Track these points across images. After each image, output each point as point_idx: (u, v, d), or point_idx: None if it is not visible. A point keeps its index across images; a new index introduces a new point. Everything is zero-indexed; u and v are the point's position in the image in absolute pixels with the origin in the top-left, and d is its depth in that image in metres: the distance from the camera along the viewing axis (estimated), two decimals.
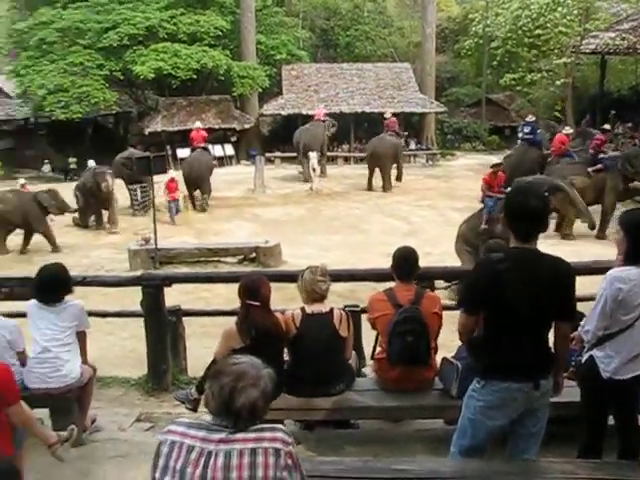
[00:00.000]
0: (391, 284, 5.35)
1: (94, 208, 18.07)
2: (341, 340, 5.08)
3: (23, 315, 5.56)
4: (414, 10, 42.57)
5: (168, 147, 28.81)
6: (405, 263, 5.13)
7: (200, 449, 2.52)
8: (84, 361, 5.48)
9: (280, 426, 2.65)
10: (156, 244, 13.48)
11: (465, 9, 41.19)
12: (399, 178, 23.66)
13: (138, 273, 7.91)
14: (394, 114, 26.26)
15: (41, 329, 5.23)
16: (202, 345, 8.24)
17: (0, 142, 36.26)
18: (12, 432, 4.07)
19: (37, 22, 32.86)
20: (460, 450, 4.06)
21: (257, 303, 4.88)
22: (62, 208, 16.76)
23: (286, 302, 7.31)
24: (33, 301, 5.30)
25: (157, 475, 2.57)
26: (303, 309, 5.06)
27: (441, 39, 38.51)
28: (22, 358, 5.17)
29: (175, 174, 18.96)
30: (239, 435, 2.52)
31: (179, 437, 2.58)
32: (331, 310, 5.08)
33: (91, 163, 19.49)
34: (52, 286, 5.23)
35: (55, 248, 15.81)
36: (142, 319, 7.23)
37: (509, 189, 13.41)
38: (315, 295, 5.06)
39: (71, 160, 32.22)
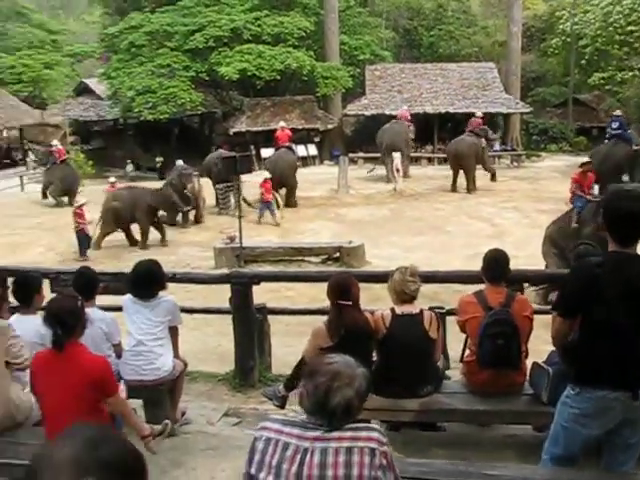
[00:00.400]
0: (473, 287, 5.29)
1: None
2: (430, 342, 5.05)
3: (118, 309, 5.75)
4: (499, 8, 41.94)
5: (252, 147, 29.19)
6: (496, 265, 5.06)
7: (295, 446, 2.54)
8: (176, 355, 5.62)
9: (376, 426, 2.66)
10: (241, 243, 13.66)
11: (552, 6, 40.27)
12: (493, 178, 23.04)
13: (226, 271, 8.05)
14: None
15: (136, 323, 5.38)
16: (284, 344, 8.33)
17: (92, 142, 37.59)
18: (111, 421, 4.24)
19: (127, 26, 33.95)
20: (552, 458, 3.97)
21: (349, 302, 4.88)
22: (175, 207, 17.15)
23: (371, 302, 7.32)
24: (128, 296, 5.47)
25: (252, 470, 2.60)
26: (393, 310, 5.04)
27: (527, 38, 37.78)
28: (118, 350, 5.36)
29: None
30: (335, 434, 2.54)
31: (274, 434, 2.60)
32: (421, 311, 5.05)
33: (179, 163, 19.88)
34: (146, 282, 5.39)
35: (144, 245, 16.24)
36: (226, 316, 7.36)
37: (596, 188, 13.09)
38: (404, 296, 5.02)
39: (158, 160, 33.09)
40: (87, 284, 5.35)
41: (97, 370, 4.17)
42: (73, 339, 4.17)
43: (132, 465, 1.51)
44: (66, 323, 4.14)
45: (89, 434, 1.52)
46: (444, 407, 5.10)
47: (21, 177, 29.28)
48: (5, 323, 4.73)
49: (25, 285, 5.30)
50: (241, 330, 6.87)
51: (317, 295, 11.23)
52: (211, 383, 7.20)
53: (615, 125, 20.06)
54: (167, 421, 5.01)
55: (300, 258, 13.62)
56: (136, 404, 5.33)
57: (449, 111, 31.18)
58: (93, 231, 15.91)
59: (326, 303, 7.33)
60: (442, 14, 40.73)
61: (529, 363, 5.15)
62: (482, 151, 22.66)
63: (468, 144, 22.24)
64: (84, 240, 15.46)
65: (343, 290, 4.93)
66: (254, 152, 28.05)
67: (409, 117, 25.62)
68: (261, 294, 7.76)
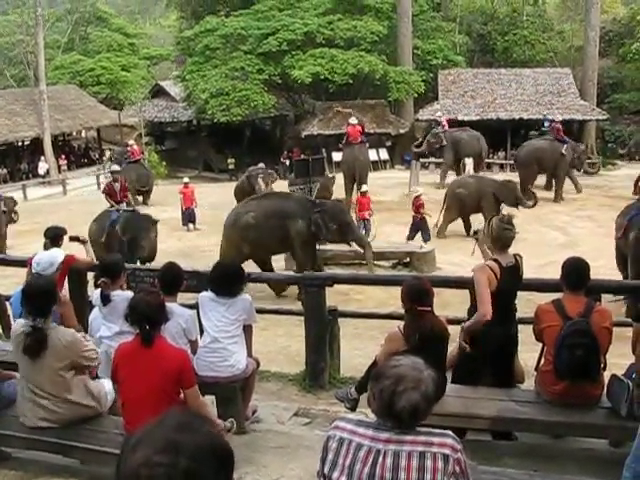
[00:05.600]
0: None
1: None
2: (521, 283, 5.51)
3: (191, 307, 5.85)
4: (576, 12, 41.17)
5: (323, 150, 29.29)
6: (577, 273, 4.96)
7: (368, 447, 2.54)
8: (249, 354, 5.67)
9: (449, 432, 2.62)
10: None
11: (632, 10, 39.18)
12: (556, 197, 21.78)
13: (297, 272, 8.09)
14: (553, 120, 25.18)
15: (212, 320, 5.46)
16: (353, 347, 8.33)
17: (165, 142, 38.37)
18: None
19: (202, 30, 34.61)
20: (635, 476, 3.83)
21: (427, 308, 4.84)
22: (517, 202, 17.02)
23: (442, 308, 7.25)
24: (206, 293, 5.55)
25: (326, 470, 2.60)
26: (498, 262, 5.20)
27: (605, 42, 36.96)
28: (194, 347, 5.43)
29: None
30: (408, 437, 2.52)
31: (347, 434, 2.60)
32: (516, 259, 5.33)
33: (260, 165, 19.94)
34: (229, 281, 5.46)
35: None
36: (296, 317, 7.36)
37: None
38: (502, 243, 5.26)
39: (230, 161, 33.53)
40: (173, 279, 5.50)
41: (177, 362, 4.28)
42: (157, 333, 4.29)
43: (222, 451, 1.56)
44: (153, 319, 4.27)
45: (182, 419, 1.58)
46: (518, 416, 5.00)
47: (97, 176, 30.13)
48: (74, 336, 4.71)
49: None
50: (313, 331, 6.90)
51: (386, 300, 11.23)
52: (281, 383, 7.25)
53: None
54: (232, 419, 5.09)
55: None
56: (208, 400, 5.41)
57: (523, 117, 30.72)
58: None
59: (395, 307, 7.32)
60: (517, 18, 40.16)
61: (607, 375, 5.02)
62: (560, 160, 21.69)
63: (528, 150, 21.75)
64: (425, 229, 16.20)
65: (420, 295, 4.88)
66: (325, 155, 28.18)
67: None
68: (329, 296, 7.78)
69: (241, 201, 18.36)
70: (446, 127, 25.22)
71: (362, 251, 12.76)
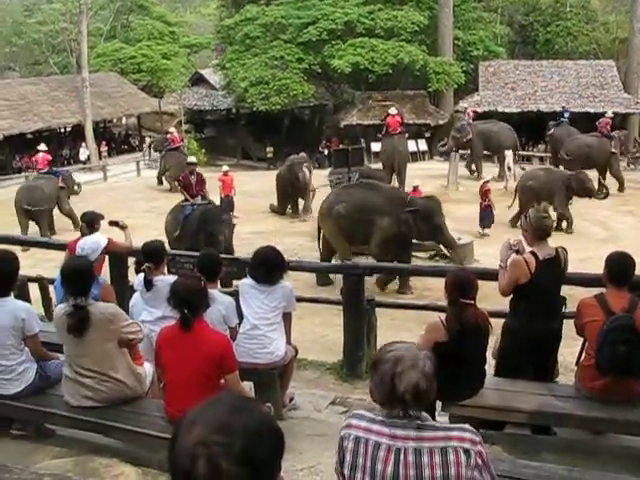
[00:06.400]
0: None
1: (291, 197, 18.69)
2: (564, 279, 5.43)
3: (230, 294, 5.89)
4: (621, 3, 40.41)
5: (362, 140, 29.16)
6: (622, 268, 4.88)
7: (387, 446, 2.52)
8: (288, 341, 5.71)
9: (467, 426, 2.58)
10: None
11: None
12: (620, 187, 21.20)
13: (340, 262, 8.09)
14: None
15: (251, 307, 5.50)
16: (389, 337, 8.30)
17: (205, 130, 38.56)
18: None
19: (242, 18, 34.65)
20: None
21: (471, 302, 4.79)
22: (589, 193, 17.02)
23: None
24: (246, 280, 5.60)
25: (346, 471, 2.58)
26: (535, 254, 5.17)
27: None
28: (233, 333, 5.47)
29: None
30: (427, 434, 2.50)
31: (362, 432, 2.58)
32: (557, 253, 5.27)
33: (302, 154, 19.98)
34: (269, 268, 5.50)
35: (570, 228, 16.32)
36: (333, 307, 7.34)
37: None
38: (541, 232, 5.25)
39: (268, 150, 33.59)
40: (211, 266, 5.54)
41: (219, 347, 4.32)
42: (198, 317, 4.33)
43: (275, 432, 1.58)
44: (193, 303, 4.30)
45: (235, 401, 1.61)
46: (558, 411, 4.95)
47: (137, 163, 30.43)
48: (115, 309, 4.85)
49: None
50: (351, 321, 6.91)
51: (422, 291, 11.19)
52: (319, 371, 7.27)
53: None
54: (269, 404, 5.13)
55: None
56: (247, 387, 5.44)
57: None
58: None
59: (433, 298, 7.28)
60: (560, 9, 39.51)
61: None
62: (610, 155, 21.28)
63: (579, 145, 21.45)
64: (486, 216, 16.44)
65: (465, 287, 4.79)
66: (364, 146, 28.07)
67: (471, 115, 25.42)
68: (367, 287, 7.75)
69: (281, 190, 18.56)
70: (470, 119, 24.96)
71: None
